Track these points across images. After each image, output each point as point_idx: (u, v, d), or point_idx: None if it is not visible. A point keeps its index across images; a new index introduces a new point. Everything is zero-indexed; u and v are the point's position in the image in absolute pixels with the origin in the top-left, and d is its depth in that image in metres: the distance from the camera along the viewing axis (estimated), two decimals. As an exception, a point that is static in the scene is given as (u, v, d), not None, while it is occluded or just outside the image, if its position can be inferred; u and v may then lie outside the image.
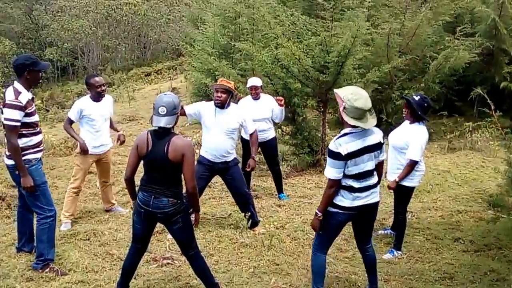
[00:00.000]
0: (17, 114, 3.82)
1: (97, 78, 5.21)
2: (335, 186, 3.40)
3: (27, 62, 3.93)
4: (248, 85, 5.86)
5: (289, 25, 7.32)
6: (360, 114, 3.31)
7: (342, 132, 3.40)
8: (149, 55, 24.65)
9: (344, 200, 3.43)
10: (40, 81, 4.00)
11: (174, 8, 23.44)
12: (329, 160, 3.36)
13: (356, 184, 3.40)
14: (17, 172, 3.98)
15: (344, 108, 3.32)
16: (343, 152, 3.30)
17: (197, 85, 10.92)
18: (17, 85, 3.91)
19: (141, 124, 11.58)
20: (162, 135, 3.45)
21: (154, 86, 18.46)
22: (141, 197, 3.52)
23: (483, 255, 4.54)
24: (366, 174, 3.43)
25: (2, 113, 3.93)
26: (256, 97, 5.80)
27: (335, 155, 3.32)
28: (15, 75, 4.03)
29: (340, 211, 3.45)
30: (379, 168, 3.60)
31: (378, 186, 3.58)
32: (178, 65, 21.36)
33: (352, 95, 3.30)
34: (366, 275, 3.86)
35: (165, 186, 3.47)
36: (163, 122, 3.41)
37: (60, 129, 11.35)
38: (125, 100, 15.55)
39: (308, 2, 10.67)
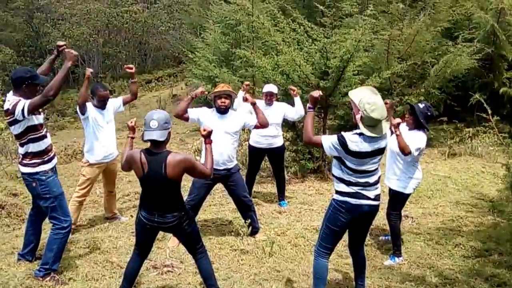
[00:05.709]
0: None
1: (104, 92, 5.12)
2: (314, 144, 3.62)
3: (25, 75, 3.87)
4: (264, 91, 5.82)
5: (289, 32, 7.34)
6: (375, 123, 3.36)
7: (359, 131, 3.42)
8: (150, 63, 24.62)
9: (347, 190, 3.50)
10: (37, 93, 3.95)
11: (174, 16, 23.48)
12: (333, 137, 3.45)
13: (355, 179, 3.46)
14: (34, 184, 3.98)
15: (361, 117, 3.37)
16: (352, 148, 3.36)
17: (198, 92, 10.92)
18: (11, 97, 3.85)
19: (141, 131, 11.56)
20: (155, 153, 3.41)
21: (154, 93, 18.46)
22: (144, 214, 3.53)
23: (484, 260, 4.53)
24: (368, 172, 3.48)
25: (10, 124, 3.90)
26: (269, 103, 5.79)
27: (342, 143, 3.40)
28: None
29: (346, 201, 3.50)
30: None
31: (379, 187, 3.60)
32: (178, 72, 21.36)
33: (369, 106, 3.32)
34: (359, 282, 3.86)
35: (166, 203, 3.47)
36: (154, 135, 3.39)
37: (60, 137, 11.39)
38: (126, 108, 15.53)
39: (308, 10, 10.72)
